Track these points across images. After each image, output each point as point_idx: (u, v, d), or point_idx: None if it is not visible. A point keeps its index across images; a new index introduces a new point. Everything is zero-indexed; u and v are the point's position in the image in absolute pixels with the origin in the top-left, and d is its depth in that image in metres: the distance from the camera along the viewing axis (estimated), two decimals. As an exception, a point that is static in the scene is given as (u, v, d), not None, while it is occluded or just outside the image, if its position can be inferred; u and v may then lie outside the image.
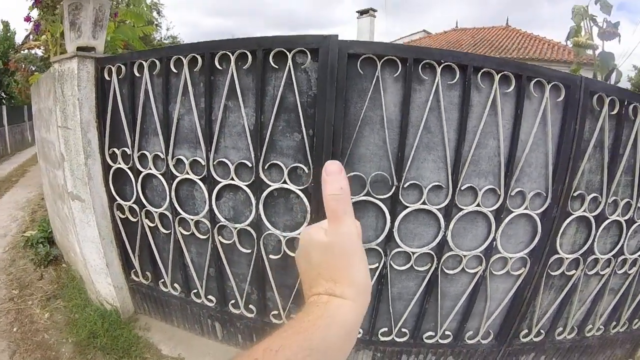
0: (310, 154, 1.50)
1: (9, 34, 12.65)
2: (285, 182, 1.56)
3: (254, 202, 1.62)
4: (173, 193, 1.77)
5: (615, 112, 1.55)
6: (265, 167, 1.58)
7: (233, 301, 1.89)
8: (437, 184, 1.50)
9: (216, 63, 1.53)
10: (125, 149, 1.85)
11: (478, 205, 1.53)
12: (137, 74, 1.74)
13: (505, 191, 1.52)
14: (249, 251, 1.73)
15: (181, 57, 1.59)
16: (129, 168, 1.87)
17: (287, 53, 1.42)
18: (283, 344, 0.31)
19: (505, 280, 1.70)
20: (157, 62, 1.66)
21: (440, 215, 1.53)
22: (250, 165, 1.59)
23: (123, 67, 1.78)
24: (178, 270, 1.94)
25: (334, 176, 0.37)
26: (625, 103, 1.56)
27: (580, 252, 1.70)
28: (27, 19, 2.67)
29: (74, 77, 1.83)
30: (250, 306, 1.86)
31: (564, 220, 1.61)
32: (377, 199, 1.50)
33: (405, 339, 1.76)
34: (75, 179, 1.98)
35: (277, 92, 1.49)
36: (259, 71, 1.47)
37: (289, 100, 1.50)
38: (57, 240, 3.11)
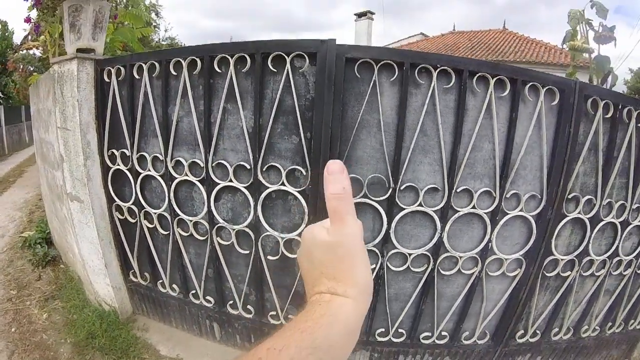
0: (308, 157, 1.52)
1: (7, 34, 12.63)
2: (283, 184, 1.58)
3: (252, 203, 1.64)
4: (172, 194, 1.78)
5: (609, 115, 1.57)
6: (264, 169, 1.59)
7: (231, 302, 1.90)
8: (433, 186, 1.52)
9: (215, 66, 1.54)
10: (125, 150, 1.87)
11: (474, 207, 1.55)
12: (136, 76, 1.75)
13: (500, 193, 1.54)
14: (247, 252, 1.74)
15: (180, 59, 1.61)
16: (128, 169, 1.88)
17: (286, 57, 1.44)
18: (286, 343, 0.31)
19: (501, 281, 1.72)
20: (157, 65, 1.68)
21: (436, 217, 1.55)
22: (248, 167, 1.61)
23: (122, 69, 1.79)
24: (177, 271, 1.95)
25: (336, 176, 0.37)
26: (620, 106, 1.58)
27: (576, 253, 1.72)
28: (27, 20, 2.68)
29: (74, 78, 1.84)
30: (249, 307, 1.87)
31: (559, 222, 1.63)
32: (374, 201, 1.51)
33: (402, 339, 1.78)
34: (75, 180, 1.99)
35: (275, 95, 1.50)
36: (258, 74, 1.49)
37: (287, 103, 1.51)
38: (55, 241, 3.11)
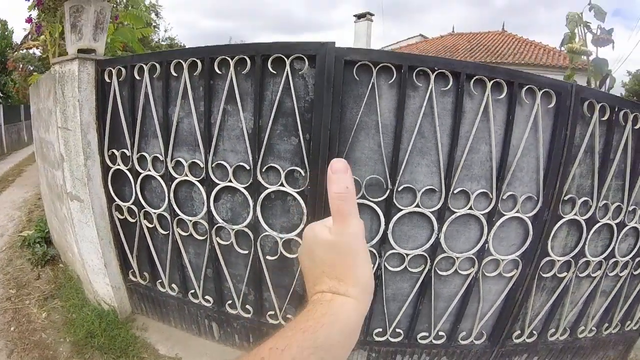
0: (307, 158, 1.53)
1: (6, 33, 12.63)
2: (282, 184, 1.59)
3: (251, 204, 1.65)
4: (172, 194, 1.79)
5: (605, 118, 1.59)
6: (263, 170, 1.61)
7: (230, 301, 1.91)
8: (430, 187, 1.54)
9: (216, 68, 1.56)
10: (125, 150, 1.88)
11: (470, 208, 1.56)
12: (137, 77, 1.77)
13: (497, 195, 1.56)
14: (246, 252, 1.75)
15: (181, 61, 1.62)
16: (128, 169, 1.89)
17: (285, 59, 1.45)
18: (288, 342, 0.31)
19: (497, 282, 1.74)
20: (157, 66, 1.69)
21: (433, 218, 1.56)
22: (248, 167, 1.62)
23: (123, 70, 1.80)
24: (176, 270, 1.96)
25: (339, 175, 0.37)
26: (616, 109, 1.60)
27: (572, 254, 1.73)
28: (29, 20, 2.69)
29: (75, 78, 1.85)
30: (247, 306, 1.88)
31: (555, 223, 1.64)
32: (371, 201, 1.53)
33: (399, 339, 1.79)
34: (75, 180, 2.00)
35: (275, 97, 1.52)
36: (258, 76, 1.50)
37: (286, 105, 1.53)
38: (54, 240, 3.12)
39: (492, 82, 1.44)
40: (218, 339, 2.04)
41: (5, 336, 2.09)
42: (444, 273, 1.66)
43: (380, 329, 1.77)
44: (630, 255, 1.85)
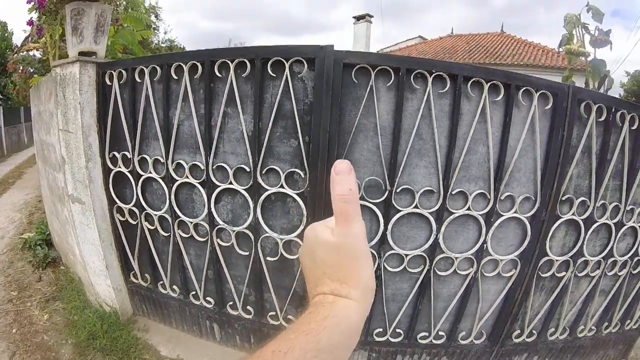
0: (306, 160, 1.55)
1: (6, 35, 12.66)
2: (282, 186, 1.60)
3: (251, 205, 1.66)
4: (173, 196, 1.81)
5: (602, 118, 1.60)
6: (263, 172, 1.62)
7: (231, 303, 1.92)
8: (428, 188, 1.55)
9: (216, 71, 1.57)
10: (126, 152, 1.89)
11: (469, 209, 1.57)
12: (138, 80, 1.78)
13: (495, 195, 1.57)
14: (247, 253, 1.76)
15: (182, 64, 1.64)
16: (129, 171, 1.91)
17: (285, 62, 1.47)
18: (291, 345, 0.31)
19: (496, 281, 1.75)
20: (158, 69, 1.71)
21: (432, 219, 1.57)
22: (248, 169, 1.64)
23: (124, 73, 1.82)
24: (177, 272, 1.97)
25: (343, 176, 0.37)
26: (613, 110, 1.61)
27: (570, 254, 1.74)
28: (30, 22, 2.70)
29: (76, 81, 1.87)
30: (248, 307, 1.89)
31: (553, 223, 1.66)
32: (370, 203, 1.54)
33: (399, 339, 1.80)
34: (76, 182, 2.01)
35: (274, 100, 1.53)
36: (258, 79, 1.52)
37: (286, 107, 1.54)
38: (55, 242, 3.13)
39: (489, 84, 1.46)
40: (219, 340, 2.05)
41: (7, 338, 2.10)
42: (443, 273, 1.67)
43: (381, 329, 1.78)
44: (629, 255, 1.87)
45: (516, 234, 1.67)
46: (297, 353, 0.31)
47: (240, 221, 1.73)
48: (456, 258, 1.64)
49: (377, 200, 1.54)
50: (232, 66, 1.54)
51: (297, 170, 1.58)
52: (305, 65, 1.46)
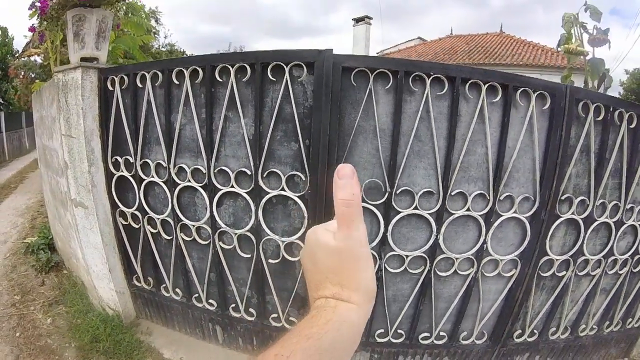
0: (306, 163, 1.56)
1: (7, 40, 12.74)
2: (283, 189, 1.62)
3: (253, 208, 1.68)
4: (175, 200, 1.82)
5: (601, 118, 1.61)
6: (264, 175, 1.63)
7: (233, 305, 1.93)
8: (428, 189, 1.56)
9: (217, 75, 1.59)
10: (128, 157, 1.91)
11: (468, 209, 1.59)
12: (139, 85, 1.80)
13: (494, 196, 1.58)
14: (249, 256, 1.78)
15: (183, 69, 1.66)
16: (131, 176, 1.92)
17: (284, 66, 1.49)
18: (293, 349, 0.31)
19: (497, 281, 1.76)
20: (159, 74, 1.73)
21: (432, 220, 1.59)
22: (249, 173, 1.65)
23: (126, 78, 1.84)
24: (179, 275, 1.99)
25: (346, 180, 0.37)
26: (611, 109, 1.62)
27: (570, 253, 1.75)
28: (32, 29, 2.73)
29: (78, 87, 1.89)
30: (251, 310, 1.90)
31: (553, 222, 1.67)
32: (371, 204, 1.55)
33: (401, 340, 1.81)
34: (79, 186, 2.03)
35: (275, 104, 1.55)
36: (258, 83, 1.54)
37: (286, 111, 1.56)
38: (58, 246, 3.15)
39: (487, 85, 1.47)
40: (222, 342, 2.06)
41: (11, 342, 2.12)
42: (444, 274, 1.68)
43: (382, 330, 1.79)
44: (630, 253, 1.87)
45: (516, 234, 1.68)
46: (299, 357, 0.31)
47: (242, 224, 1.75)
48: (456, 258, 1.65)
49: (377, 202, 1.56)
50: (232, 71, 1.56)
51: (297, 173, 1.60)
52: (305, 69, 1.48)
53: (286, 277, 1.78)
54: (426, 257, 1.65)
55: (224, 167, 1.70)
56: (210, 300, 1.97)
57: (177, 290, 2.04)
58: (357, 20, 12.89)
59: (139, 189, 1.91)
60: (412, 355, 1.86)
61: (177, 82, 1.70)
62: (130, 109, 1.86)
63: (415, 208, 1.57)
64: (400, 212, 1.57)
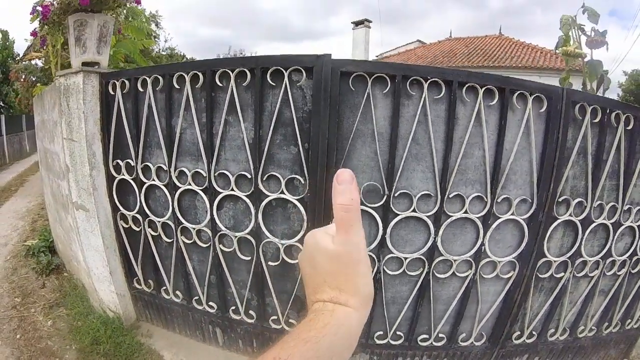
0: (306, 166, 1.58)
1: (7, 43, 12.80)
2: (282, 192, 1.63)
3: (253, 211, 1.69)
4: (175, 203, 1.84)
5: (597, 120, 1.62)
6: (264, 179, 1.65)
7: (233, 307, 1.94)
8: (426, 192, 1.58)
9: (217, 80, 1.61)
10: (129, 160, 1.92)
11: (466, 212, 1.60)
12: (140, 89, 1.82)
13: (491, 198, 1.60)
14: (249, 258, 1.79)
15: (183, 74, 1.68)
16: (132, 179, 1.94)
17: (284, 71, 1.51)
18: (291, 352, 0.32)
19: (495, 283, 1.77)
20: (160, 78, 1.75)
21: (430, 222, 1.60)
22: (249, 176, 1.67)
23: (127, 82, 1.86)
24: (180, 277, 2.00)
25: (345, 185, 0.37)
26: (608, 111, 1.64)
27: (568, 255, 1.76)
28: (34, 33, 2.75)
29: (80, 91, 1.90)
30: (251, 312, 1.91)
31: (550, 224, 1.68)
32: (369, 207, 1.57)
33: (400, 342, 1.82)
34: (80, 190, 2.04)
35: (274, 108, 1.57)
36: (258, 88, 1.56)
37: (285, 115, 1.58)
38: (58, 249, 3.16)
39: (483, 89, 1.49)
40: (222, 344, 2.07)
41: (12, 344, 2.12)
42: (442, 276, 1.69)
43: (381, 332, 1.80)
44: (628, 254, 1.88)
45: (514, 236, 1.70)
46: None
47: (242, 227, 1.76)
48: (455, 260, 1.66)
49: (376, 205, 1.57)
50: (232, 76, 1.58)
51: (297, 176, 1.61)
52: (304, 74, 1.50)
53: (286, 279, 1.79)
54: (424, 259, 1.66)
55: (224, 171, 1.71)
56: (211, 303, 1.98)
57: (178, 292, 2.05)
58: (357, 24, 12.95)
59: (139, 192, 1.92)
60: (411, 357, 1.86)
61: (177, 87, 1.71)
62: (131, 113, 1.88)
63: (414, 211, 1.58)
64: (399, 214, 1.58)
